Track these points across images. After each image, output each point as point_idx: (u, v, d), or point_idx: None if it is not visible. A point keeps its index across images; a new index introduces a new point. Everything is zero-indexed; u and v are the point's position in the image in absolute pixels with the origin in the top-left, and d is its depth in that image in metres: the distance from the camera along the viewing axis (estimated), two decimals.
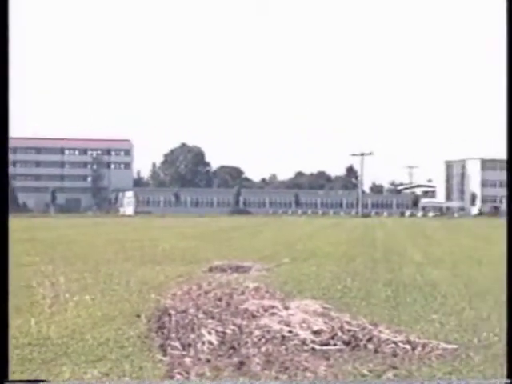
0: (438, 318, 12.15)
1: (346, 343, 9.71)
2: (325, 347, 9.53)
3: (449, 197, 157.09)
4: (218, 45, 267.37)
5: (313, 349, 9.47)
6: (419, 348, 9.53)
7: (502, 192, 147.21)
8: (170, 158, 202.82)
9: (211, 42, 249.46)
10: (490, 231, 57.64)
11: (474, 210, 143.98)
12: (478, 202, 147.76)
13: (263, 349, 9.40)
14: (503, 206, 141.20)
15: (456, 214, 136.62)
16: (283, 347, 9.51)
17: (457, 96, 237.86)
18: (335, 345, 9.64)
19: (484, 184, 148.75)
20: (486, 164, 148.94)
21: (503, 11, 6.62)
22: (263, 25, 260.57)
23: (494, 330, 11.04)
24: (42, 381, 7.88)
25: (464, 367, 8.64)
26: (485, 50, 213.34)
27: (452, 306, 13.61)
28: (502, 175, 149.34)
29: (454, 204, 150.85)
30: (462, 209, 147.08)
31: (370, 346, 9.59)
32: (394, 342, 9.74)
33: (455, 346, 9.71)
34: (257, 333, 10.16)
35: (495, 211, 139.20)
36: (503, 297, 15.08)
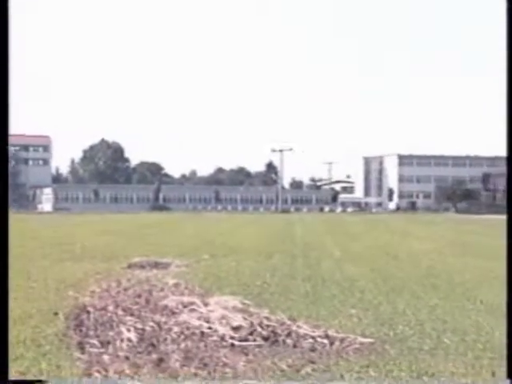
0: (356, 312, 12.33)
1: (265, 339, 9.78)
2: (244, 343, 9.57)
3: (367, 192, 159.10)
4: (139, 40, 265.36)
5: (232, 345, 9.50)
6: (337, 342, 9.66)
7: (419, 187, 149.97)
8: (89, 154, 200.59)
9: (130, 37, 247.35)
10: (407, 226, 58.69)
11: (392, 206, 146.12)
12: (396, 198, 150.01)
13: (182, 345, 9.40)
14: (419, 202, 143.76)
15: (374, 210, 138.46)
16: (202, 343, 9.53)
17: (375, 91, 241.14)
18: (254, 340, 9.70)
19: (401, 179, 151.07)
20: (403, 160, 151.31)
21: (502, 11, 6.66)
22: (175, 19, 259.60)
23: (410, 324, 11.27)
24: (42, 381, 7.82)
25: (380, 360, 8.79)
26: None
27: (369, 301, 13.82)
28: (419, 171, 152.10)
29: (372, 199, 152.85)
30: (379, 204, 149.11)
31: (289, 341, 9.68)
32: (313, 337, 9.85)
33: (372, 340, 9.87)
34: (176, 329, 10.15)
35: (412, 206, 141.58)
36: (419, 290, 15.43)
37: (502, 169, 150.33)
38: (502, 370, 8.37)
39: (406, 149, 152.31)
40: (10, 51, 6.52)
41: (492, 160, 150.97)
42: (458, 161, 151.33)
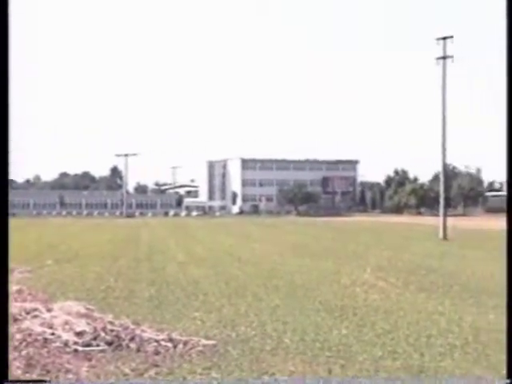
0: (200, 315, 12.52)
1: (109, 343, 9.79)
2: (87, 348, 9.56)
3: (211, 196, 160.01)
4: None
5: (75, 350, 9.47)
6: (181, 345, 9.80)
7: (261, 191, 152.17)
8: None
9: None
10: (250, 229, 59.52)
11: (235, 209, 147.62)
12: (239, 201, 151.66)
13: (24, 352, 9.28)
14: (262, 205, 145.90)
15: (218, 213, 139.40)
16: (45, 350, 9.44)
17: (221, 93, 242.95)
18: (98, 345, 9.69)
19: (244, 183, 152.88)
20: (246, 164, 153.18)
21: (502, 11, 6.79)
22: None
23: (252, 325, 11.56)
24: (42, 381, 7.71)
25: (223, 362, 9.00)
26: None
27: (213, 303, 14.04)
28: (261, 174, 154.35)
29: (216, 203, 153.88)
30: (223, 208, 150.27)
31: (133, 346, 9.74)
32: (157, 341, 9.94)
33: (215, 342, 10.07)
34: (18, 336, 10.00)
35: (255, 209, 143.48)
36: (261, 292, 15.80)
37: (340, 172, 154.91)
38: (337, 367, 8.76)
39: (249, 153, 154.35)
40: (9, 51, 6.45)
41: (331, 164, 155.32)
42: (299, 165, 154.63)
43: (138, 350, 9.55)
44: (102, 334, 10.12)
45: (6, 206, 6.55)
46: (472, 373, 8.47)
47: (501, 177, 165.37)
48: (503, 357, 9.28)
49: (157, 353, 9.45)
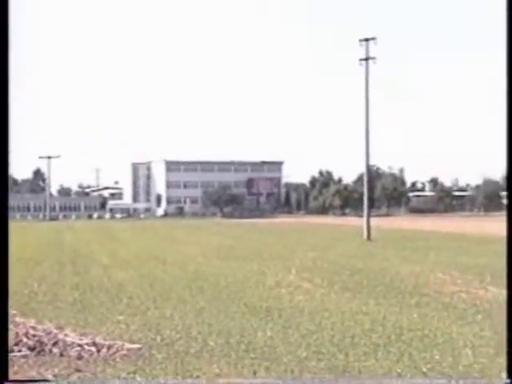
0: (124, 318, 12.41)
1: (31, 349, 9.63)
2: (9, 354, 9.37)
3: (136, 198, 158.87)
4: None
5: None
6: (104, 350, 9.69)
7: (186, 193, 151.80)
8: None
9: None
10: (175, 231, 59.32)
11: (160, 211, 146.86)
12: (164, 203, 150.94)
13: None
14: (187, 207, 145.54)
15: (142, 215, 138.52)
16: None
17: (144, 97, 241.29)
18: (20, 351, 9.52)
19: (169, 185, 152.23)
20: (171, 166, 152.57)
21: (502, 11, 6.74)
22: None
23: (177, 328, 11.50)
24: (43, 381, 7.64)
25: (147, 366, 8.93)
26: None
27: (137, 307, 13.94)
28: (186, 176, 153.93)
29: (141, 205, 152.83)
30: (148, 210, 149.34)
31: (56, 351, 9.59)
32: (80, 345, 9.81)
33: (139, 346, 9.99)
34: None
35: (180, 211, 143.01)
36: (186, 294, 15.74)
37: (265, 173, 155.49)
38: (262, 369, 8.78)
39: (174, 155, 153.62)
40: (9, 51, 6.33)
41: (255, 165, 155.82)
42: (224, 166, 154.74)
43: (61, 355, 9.41)
44: (25, 340, 9.94)
45: (5, 206, 6.51)
46: (395, 371, 8.58)
47: (423, 177, 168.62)
48: (425, 355, 9.45)
49: (80, 357, 9.33)
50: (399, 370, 8.60)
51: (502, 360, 9.07)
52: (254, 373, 8.57)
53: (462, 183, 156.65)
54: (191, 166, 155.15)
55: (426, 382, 8.22)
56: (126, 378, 8.37)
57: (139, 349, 9.83)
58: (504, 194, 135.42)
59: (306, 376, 8.35)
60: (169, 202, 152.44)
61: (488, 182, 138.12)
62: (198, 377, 8.41)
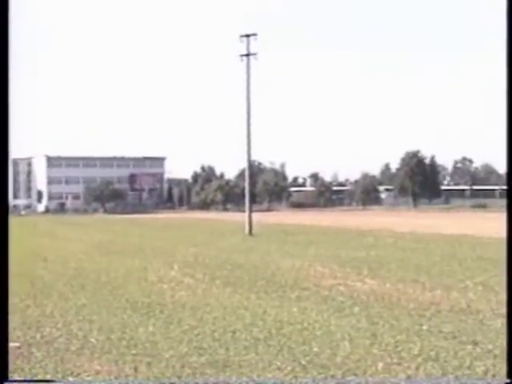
0: None
1: None
2: None
3: (16, 195, 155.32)
4: None
5: None
6: None
7: (68, 189, 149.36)
8: None
9: None
10: (56, 228, 58.29)
11: (41, 208, 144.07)
12: (45, 199, 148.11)
13: None
14: (69, 203, 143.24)
15: (23, 212, 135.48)
16: None
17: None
18: None
19: (50, 181, 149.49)
20: (52, 161, 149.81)
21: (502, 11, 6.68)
22: None
23: (57, 326, 11.39)
24: (43, 381, 7.56)
25: (26, 364, 8.81)
26: None
27: (16, 305, 13.68)
28: (67, 172, 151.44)
29: (21, 202, 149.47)
30: (28, 206, 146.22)
31: None
32: None
33: (18, 344, 9.85)
34: None
35: (61, 207, 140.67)
36: (68, 291, 15.56)
37: (148, 169, 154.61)
38: (143, 365, 8.81)
39: (55, 150, 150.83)
40: (9, 52, 6.07)
41: (137, 161, 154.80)
42: (106, 162, 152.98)
43: None
44: None
45: (6, 206, 6.35)
46: (274, 365, 8.76)
47: (303, 172, 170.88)
48: (304, 347, 9.67)
49: None
50: (279, 364, 8.77)
51: (376, 351, 9.41)
52: (135, 369, 8.59)
53: (341, 178, 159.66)
54: (73, 161, 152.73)
55: (425, 382, 8.36)
56: (126, 378, 8.24)
57: (18, 347, 9.69)
58: (381, 188, 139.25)
59: (306, 376, 8.37)
60: (50, 198, 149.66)
61: (366, 177, 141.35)
62: (78, 374, 8.38)
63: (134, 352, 9.46)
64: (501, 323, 11.16)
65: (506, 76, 6.45)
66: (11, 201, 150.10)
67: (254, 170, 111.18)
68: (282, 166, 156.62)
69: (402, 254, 25.48)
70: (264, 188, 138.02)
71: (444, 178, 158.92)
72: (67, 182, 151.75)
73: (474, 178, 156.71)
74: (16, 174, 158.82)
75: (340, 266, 21.29)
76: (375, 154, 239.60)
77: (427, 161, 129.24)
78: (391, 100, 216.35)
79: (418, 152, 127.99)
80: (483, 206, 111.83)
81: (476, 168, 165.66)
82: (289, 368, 8.57)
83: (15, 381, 7.80)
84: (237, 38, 47.27)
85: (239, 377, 8.30)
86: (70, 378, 8.26)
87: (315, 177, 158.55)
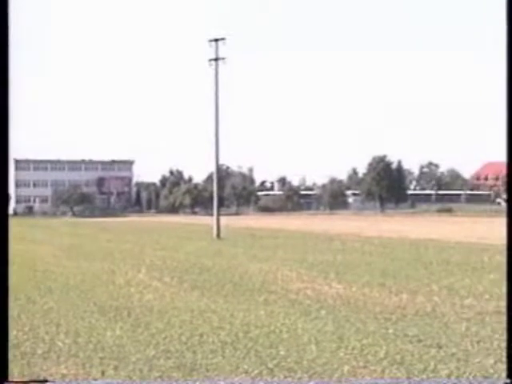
0: None
1: None
2: None
3: None
4: None
5: None
6: None
7: (36, 192, 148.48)
8: None
9: None
10: (23, 231, 57.77)
11: (9, 210, 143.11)
12: (12, 203, 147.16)
13: None
14: (36, 206, 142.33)
15: None
16: None
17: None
18: None
19: (18, 184, 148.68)
20: (20, 164, 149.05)
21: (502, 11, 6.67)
22: None
23: (24, 329, 11.35)
24: (43, 381, 7.43)
25: None
26: None
27: None
28: (35, 175, 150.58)
29: None
30: None
31: None
32: None
33: None
34: None
35: (29, 211, 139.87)
36: (35, 294, 15.50)
37: (116, 172, 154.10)
38: (110, 368, 8.82)
39: (23, 153, 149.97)
40: (9, 52, 5.98)
41: (106, 164, 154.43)
42: (74, 165, 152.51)
43: None
44: None
45: (6, 206, 6.31)
46: (241, 368, 8.81)
47: (271, 176, 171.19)
48: (271, 351, 9.73)
49: None
50: (246, 367, 8.82)
51: (343, 354, 9.50)
52: (103, 373, 8.59)
53: (309, 182, 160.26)
54: (41, 164, 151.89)
55: (426, 382, 8.39)
56: (125, 378, 8.24)
57: None
58: (348, 192, 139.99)
59: (306, 377, 8.39)
60: (18, 201, 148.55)
61: (333, 182, 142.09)
62: (44, 378, 8.36)
63: (101, 355, 9.46)
64: (465, 327, 11.32)
65: (506, 76, 6.47)
66: None
67: (222, 173, 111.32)
68: (250, 170, 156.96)
69: (368, 259, 25.65)
70: (232, 192, 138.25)
71: (410, 183, 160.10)
72: (35, 185, 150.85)
73: (440, 182, 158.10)
74: None
75: (307, 269, 21.39)
76: (343, 158, 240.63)
77: (394, 165, 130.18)
78: (360, 103, 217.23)
79: (384, 157, 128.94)
80: (449, 211, 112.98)
81: (442, 173, 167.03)
82: (256, 371, 8.62)
83: (15, 381, 7.77)
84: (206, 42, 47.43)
85: (239, 377, 8.37)
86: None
87: (283, 181, 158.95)
